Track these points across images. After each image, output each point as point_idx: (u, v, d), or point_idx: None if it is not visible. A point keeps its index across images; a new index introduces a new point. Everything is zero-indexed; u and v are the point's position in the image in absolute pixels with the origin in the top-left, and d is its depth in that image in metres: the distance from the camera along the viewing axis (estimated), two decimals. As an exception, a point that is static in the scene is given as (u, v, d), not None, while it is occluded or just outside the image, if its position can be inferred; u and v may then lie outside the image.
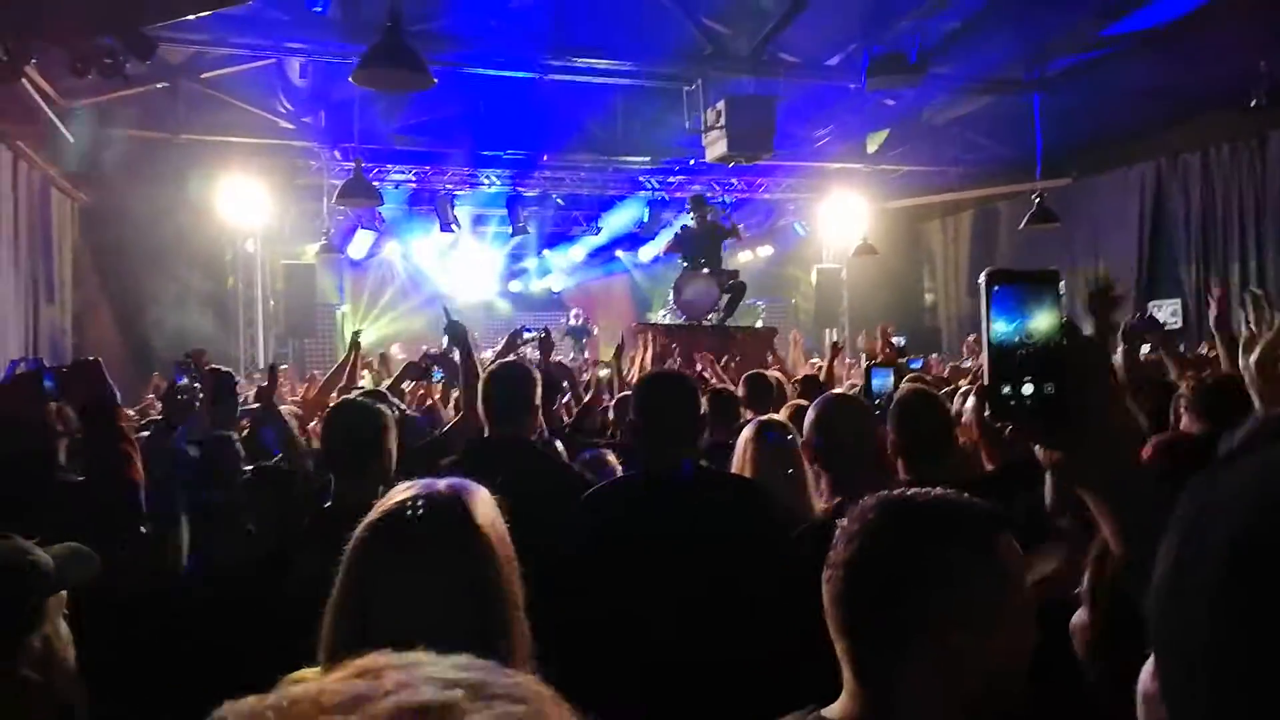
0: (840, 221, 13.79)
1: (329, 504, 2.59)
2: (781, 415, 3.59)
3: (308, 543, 2.25)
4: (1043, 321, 0.93)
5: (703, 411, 2.62)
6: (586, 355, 13.41)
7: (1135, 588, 0.65)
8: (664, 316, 11.20)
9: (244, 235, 12.38)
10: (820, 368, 6.53)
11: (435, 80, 6.76)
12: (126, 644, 2.05)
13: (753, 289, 12.08)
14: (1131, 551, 0.89)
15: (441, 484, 1.39)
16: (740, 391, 4.65)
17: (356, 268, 15.41)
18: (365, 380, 6.50)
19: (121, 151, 10.00)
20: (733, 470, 2.87)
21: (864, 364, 5.24)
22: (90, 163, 9.91)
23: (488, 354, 6.46)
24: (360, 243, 14.72)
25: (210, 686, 0.61)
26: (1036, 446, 0.96)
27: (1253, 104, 9.04)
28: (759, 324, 12.37)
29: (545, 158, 12.58)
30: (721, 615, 2.14)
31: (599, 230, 15.69)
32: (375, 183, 11.26)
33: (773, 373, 5.29)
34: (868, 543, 1.19)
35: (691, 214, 10.69)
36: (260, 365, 11.73)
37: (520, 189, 13.59)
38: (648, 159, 12.73)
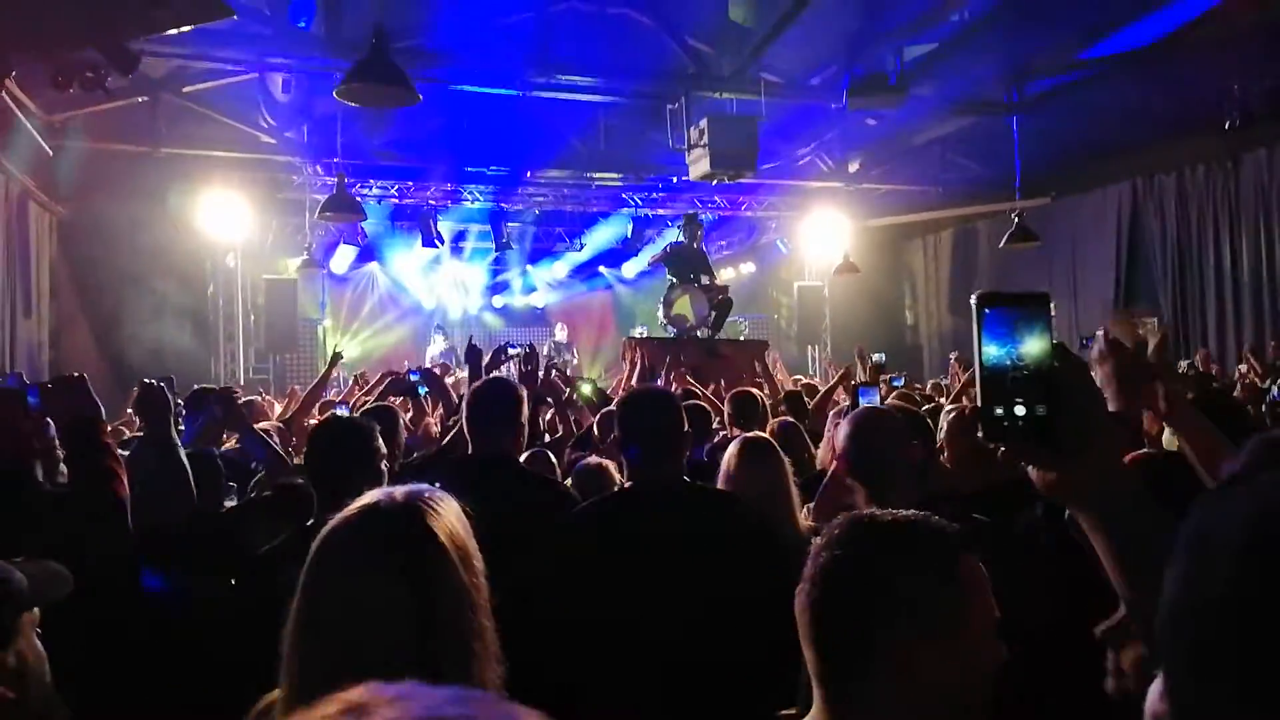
0: (822, 239, 13.86)
1: (311, 522, 2.56)
2: (766, 432, 3.60)
3: (287, 561, 2.22)
4: (1034, 344, 0.93)
5: (685, 429, 2.62)
6: (570, 373, 13.37)
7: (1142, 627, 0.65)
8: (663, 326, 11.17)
9: (224, 250, 12.28)
10: (804, 384, 6.55)
11: (420, 96, 6.70)
12: (107, 661, 2.02)
13: (735, 306, 12.11)
14: (1125, 573, 0.90)
15: (398, 492, 1.32)
16: (726, 410, 4.66)
17: (338, 282, 15.33)
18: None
19: (101, 165, 9.91)
20: (718, 486, 2.87)
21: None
22: (68, 176, 9.82)
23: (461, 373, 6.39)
24: (342, 258, 14.66)
25: (190, 705, 0.60)
26: (1030, 467, 0.96)
27: (1226, 126, 9.22)
28: (742, 339, 12.40)
29: (529, 174, 12.58)
30: (712, 630, 2.15)
31: (582, 246, 15.72)
32: (358, 198, 11.23)
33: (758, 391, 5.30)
34: (831, 561, 1.22)
35: (683, 231, 10.75)
36: (240, 381, 11.63)
37: (503, 205, 13.59)
38: (631, 176, 12.77)
